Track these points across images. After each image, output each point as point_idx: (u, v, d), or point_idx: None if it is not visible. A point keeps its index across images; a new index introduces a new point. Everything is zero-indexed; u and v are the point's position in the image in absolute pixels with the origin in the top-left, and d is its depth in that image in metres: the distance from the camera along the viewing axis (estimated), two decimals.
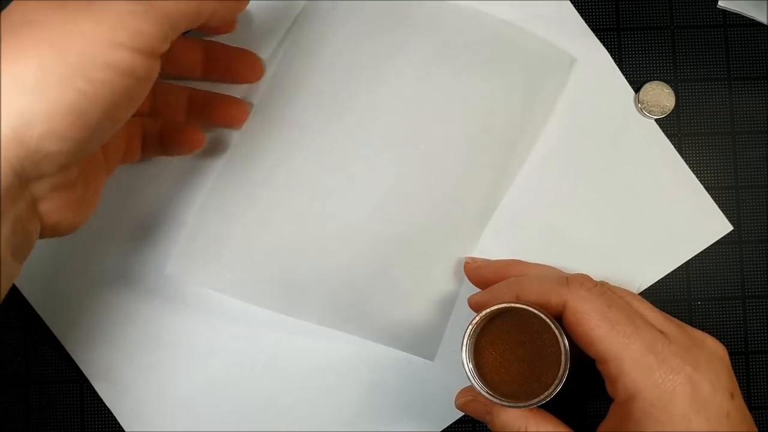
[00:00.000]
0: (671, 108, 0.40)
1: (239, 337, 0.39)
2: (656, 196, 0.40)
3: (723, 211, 0.40)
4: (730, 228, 0.40)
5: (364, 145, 0.38)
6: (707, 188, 0.40)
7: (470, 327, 0.32)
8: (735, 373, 0.31)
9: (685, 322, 0.32)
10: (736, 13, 0.40)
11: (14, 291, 0.39)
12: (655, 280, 0.40)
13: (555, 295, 0.31)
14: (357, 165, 0.38)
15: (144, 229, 0.39)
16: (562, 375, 0.30)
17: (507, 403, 0.31)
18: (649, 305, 0.33)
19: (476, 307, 0.36)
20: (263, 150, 0.38)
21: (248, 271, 0.37)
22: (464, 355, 0.32)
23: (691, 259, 0.40)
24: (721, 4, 0.40)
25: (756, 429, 0.31)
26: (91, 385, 0.39)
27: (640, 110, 0.40)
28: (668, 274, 0.40)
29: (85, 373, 0.39)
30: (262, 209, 0.37)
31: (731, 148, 0.40)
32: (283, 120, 0.38)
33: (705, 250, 0.40)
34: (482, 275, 0.37)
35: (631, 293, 0.33)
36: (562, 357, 0.30)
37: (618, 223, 0.39)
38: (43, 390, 0.39)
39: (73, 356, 0.39)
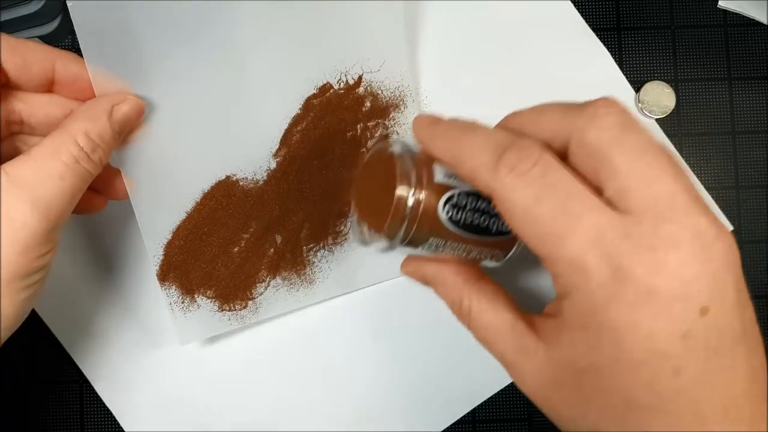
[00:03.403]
0: (672, 108, 0.40)
1: (239, 337, 0.39)
2: None
3: (723, 211, 0.40)
4: (730, 228, 0.40)
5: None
6: (707, 188, 0.40)
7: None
8: None
9: None
10: (736, 13, 0.40)
11: None
12: None
13: (480, 180, 0.25)
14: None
15: (140, 229, 0.39)
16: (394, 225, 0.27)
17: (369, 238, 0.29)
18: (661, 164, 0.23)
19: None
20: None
21: None
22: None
23: None
24: (721, 4, 0.40)
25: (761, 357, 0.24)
26: (90, 385, 0.39)
27: (641, 110, 0.40)
28: None
29: (85, 373, 0.39)
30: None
31: (731, 148, 0.40)
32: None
33: None
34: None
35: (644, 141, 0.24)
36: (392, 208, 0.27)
37: None
38: (43, 390, 0.39)
39: (73, 356, 0.39)
